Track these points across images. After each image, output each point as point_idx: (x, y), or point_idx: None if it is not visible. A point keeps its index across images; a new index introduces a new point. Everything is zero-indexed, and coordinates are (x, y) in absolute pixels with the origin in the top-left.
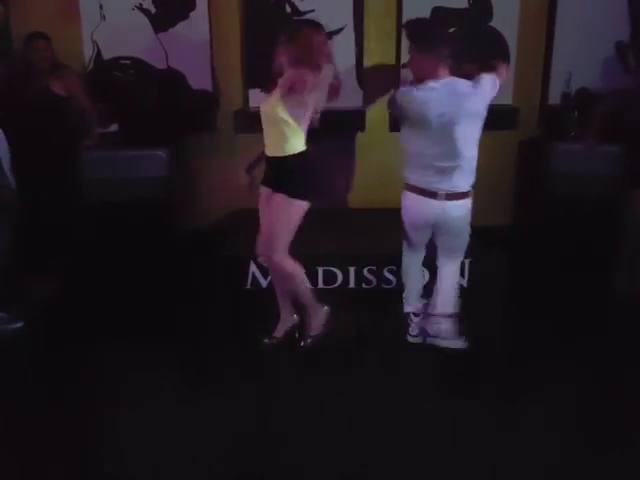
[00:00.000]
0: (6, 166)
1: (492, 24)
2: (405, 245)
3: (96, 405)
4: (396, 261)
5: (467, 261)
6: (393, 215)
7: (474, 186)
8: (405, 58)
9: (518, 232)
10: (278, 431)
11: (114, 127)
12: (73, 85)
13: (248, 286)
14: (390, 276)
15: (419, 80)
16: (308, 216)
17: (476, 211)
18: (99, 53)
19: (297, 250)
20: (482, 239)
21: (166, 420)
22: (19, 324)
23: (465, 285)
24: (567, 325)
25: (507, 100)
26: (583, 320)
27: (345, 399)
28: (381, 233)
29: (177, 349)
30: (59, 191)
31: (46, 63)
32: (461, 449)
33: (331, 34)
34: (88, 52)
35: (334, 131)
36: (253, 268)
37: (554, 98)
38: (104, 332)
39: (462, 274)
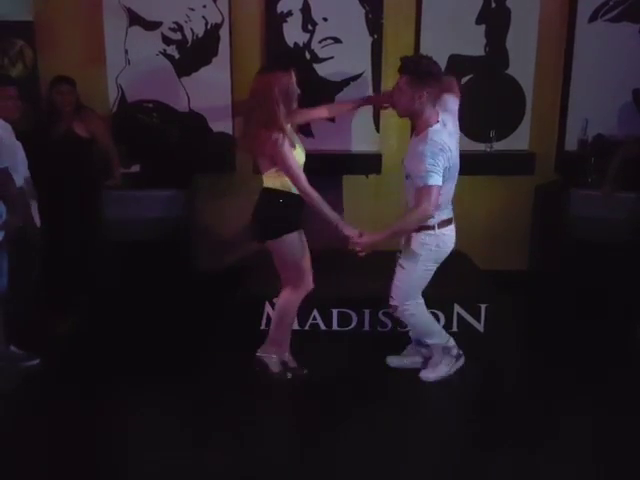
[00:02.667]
0: (32, 205)
1: (508, 72)
2: (419, 291)
3: (110, 443)
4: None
5: (484, 306)
6: None
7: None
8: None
9: (535, 277)
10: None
11: (136, 167)
12: (96, 127)
13: (263, 327)
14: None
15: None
16: (324, 257)
17: (493, 256)
18: (123, 96)
19: (311, 291)
20: (499, 284)
21: (176, 462)
22: (35, 361)
23: (482, 330)
24: (585, 373)
25: (524, 145)
26: (601, 368)
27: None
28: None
29: (190, 389)
30: (81, 230)
31: (70, 106)
32: None
33: (350, 80)
34: (113, 95)
35: (351, 172)
36: (268, 308)
37: (571, 144)
38: (119, 370)
39: (478, 319)
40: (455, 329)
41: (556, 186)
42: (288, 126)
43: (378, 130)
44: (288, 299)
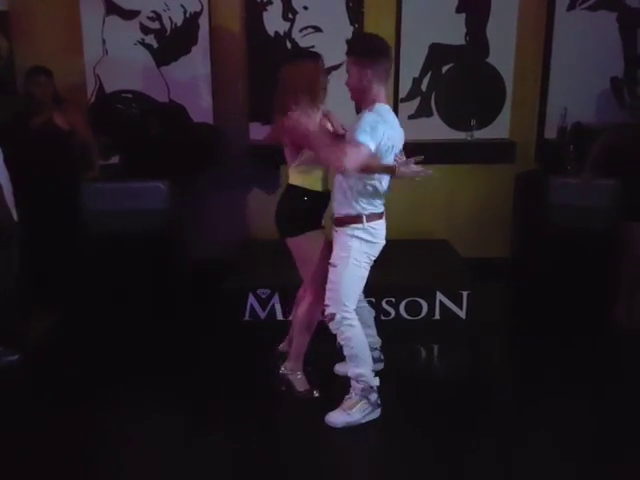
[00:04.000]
0: (8, 197)
1: (489, 60)
2: (356, 295)
3: (92, 439)
4: (395, 293)
5: (465, 293)
6: (419, 246)
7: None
8: (404, 94)
9: (516, 264)
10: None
11: (115, 159)
12: (75, 119)
13: (246, 317)
14: (389, 308)
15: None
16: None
17: (474, 243)
18: (101, 86)
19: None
20: (480, 271)
21: (161, 458)
22: (15, 357)
23: (463, 317)
24: (564, 357)
25: (504, 134)
26: (581, 352)
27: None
28: (401, 264)
29: (175, 382)
30: (61, 222)
31: (47, 97)
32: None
33: (331, 69)
34: (90, 85)
35: None
36: (251, 300)
37: (550, 132)
38: (102, 364)
39: (460, 306)
40: (437, 317)
41: (536, 174)
42: (318, 114)
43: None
44: (311, 309)
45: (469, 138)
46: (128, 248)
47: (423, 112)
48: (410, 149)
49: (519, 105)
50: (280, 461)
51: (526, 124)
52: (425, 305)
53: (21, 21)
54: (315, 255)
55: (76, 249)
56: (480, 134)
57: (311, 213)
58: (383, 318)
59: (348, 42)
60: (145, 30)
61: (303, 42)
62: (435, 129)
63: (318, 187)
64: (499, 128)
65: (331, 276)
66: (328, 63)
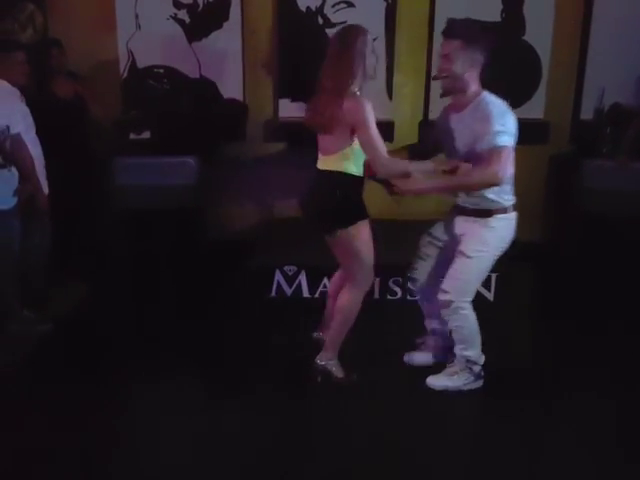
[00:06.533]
0: (40, 170)
1: (525, 38)
2: (477, 286)
3: (118, 409)
4: None
5: (494, 275)
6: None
7: None
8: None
9: (546, 248)
10: (301, 446)
11: (146, 134)
12: (67, 91)
13: (273, 294)
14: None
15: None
16: None
17: None
18: (134, 62)
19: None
20: (510, 254)
21: (187, 431)
22: (48, 325)
23: (491, 299)
24: (594, 343)
25: (539, 114)
26: (612, 338)
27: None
28: (407, 244)
29: (201, 357)
30: (91, 196)
31: (61, 69)
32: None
33: None
34: (123, 60)
35: None
36: (278, 276)
37: (587, 113)
38: (130, 336)
39: (488, 288)
40: None
41: (570, 156)
42: None
43: (391, 97)
44: (352, 299)
45: None
46: (156, 223)
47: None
48: None
49: (555, 85)
50: (311, 443)
51: (562, 104)
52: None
53: None
54: (366, 246)
55: (106, 222)
56: (514, 114)
57: (360, 201)
58: (410, 298)
59: (453, 23)
60: (178, 5)
61: (335, 17)
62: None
63: (362, 172)
64: (534, 108)
65: (461, 266)
66: None
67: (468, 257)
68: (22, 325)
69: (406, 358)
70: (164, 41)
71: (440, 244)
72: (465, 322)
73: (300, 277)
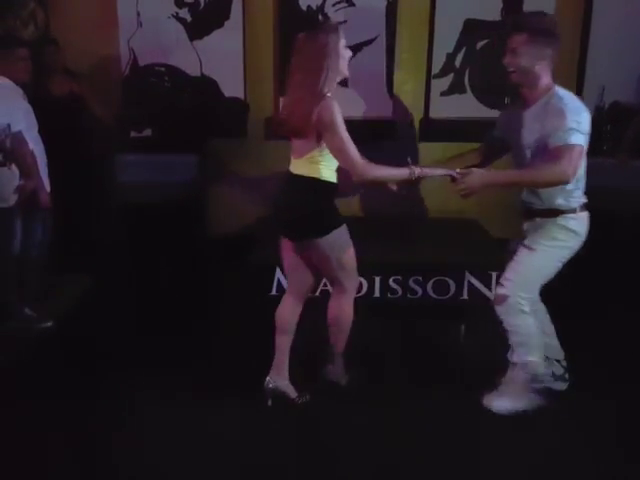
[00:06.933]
0: (41, 168)
1: None
2: (539, 285)
3: (115, 408)
4: (420, 271)
5: (495, 274)
6: (449, 225)
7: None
8: (437, 70)
9: None
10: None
11: (147, 132)
12: (62, 89)
13: (273, 292)
14: (415, 286)
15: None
16: None
17: (505, 224)
18: (135, 59)
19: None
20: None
21: (185, 430)
22: (48, 323)
23: (492, 298)
24: (595, 342)
25: None
26: (614, 335)
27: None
28: (408, 242)
29: (201, 354)
30: (92, 193)
31: (58, 67)
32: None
33: (363, 44)
34: (125, 58)
35: (363, 140)
36: (279, 274)
37: None
38: (130, 333)
39: (489, 287)
40: (465, 297)
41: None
42: None
43: (391, 96)
44: (346, 307)
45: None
46: (157, 220)
47: (456, 89)
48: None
49: (555, 83)
50: (302, 443)
51: None
52: (453, 285)
53: None
54: (345, 252)
55: (106, 219)
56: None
57: (335, 208)
58: (409, 296)
59: (523, 17)
60: (179, 3)
61: (336, 16)
62: (468, 106)
63: (335, 178)
64: None
65: (523, 257)
66: (361, 38)
67: (531, 249)
68: (22, 323)
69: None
70: (165, 39)
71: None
72: (522, 320)
73: None
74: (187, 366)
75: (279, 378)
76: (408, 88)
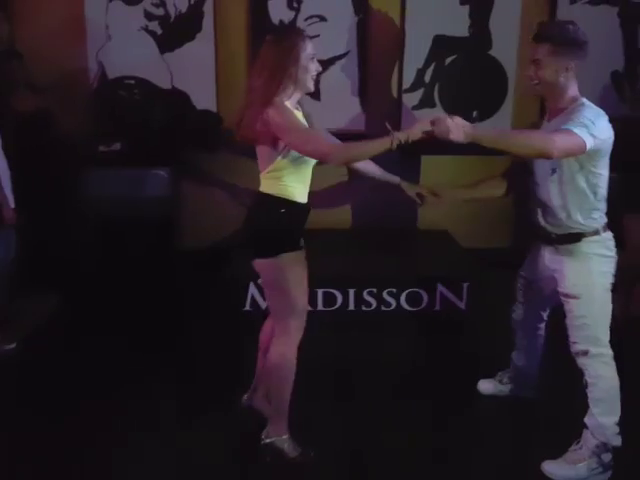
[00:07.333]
0: (5, 184)
1: (491, 53)
2: (608, 324)
3: (89, 429)
4: (396, 283)
5: (466, 284)
6: (420, 237)
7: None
8: (407, 84)
9: (515, 255)
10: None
11: (116, 146)
12: (26, 105)
13: (247, 307)
14: (390, 299)
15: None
16: (309, 237)
17: (475, 234)
18: (104, 72)
19: None
20: (481, 262)
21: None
22: (12, 345)
23: (463, 308)
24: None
25: (506, 126)
26: None
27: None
28: (402, 255)
29: (173, 368)
30: (60, 209)
31: (21, 81)
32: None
33: (336, 59)
34: (93, 71)
35: None
36: (252, 289)
37: None
38: (98, 353)
39: (460, 297)
40: (437, 308)
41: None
42: (295, 109)
43: (364, 110)
44: (284, 353)
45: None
46: (128, 235)
47: (426, 103)
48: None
49: (521, 97)
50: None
51: (528, 116)
52: (426, 297)
53: (23, 5)
54: (291, 283)
55: (75, 234)
56: (482, 126)
57: (289, 229)
58: (384, 309)
59: (546, 27)
60: (149, 16)
61: (308, 31)
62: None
63: (299, 198)
64: (501, 120)
65: (575, 311)
66: (332, 52)
67: (576, 298)
68: None
69: (480, 385)
70: (135, 52)
71: (537, 286)
72: (605, 372)
73: None
74: (158, 385)
75: (256, 397)
76: (380, 102)
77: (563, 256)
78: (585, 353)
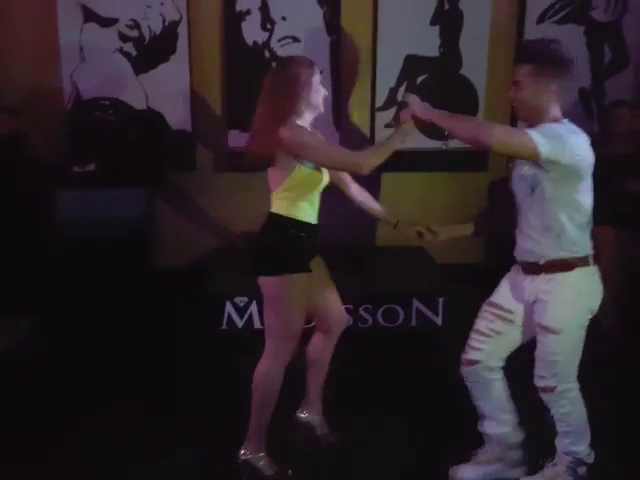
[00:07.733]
0: None
1: (462, 72)
2: (578, 361)
3: (62, 452)
4: (372, 300)
5: (441, 300)
6: (395, 253)
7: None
8: (380, 103)
9: (490, 269)
10: None
11: (91, 167)
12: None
13: (223, 326)
14: (366, 315)
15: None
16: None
17: (450, 249)
18: (78, 93)
19: None
20: (455, 277)
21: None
22: None
23: (439, 323)
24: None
25: None
26: None
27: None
28: (378, 271)
29: (150, 390)
30: (33, 230)
31: None
32: None
33: None
34: (67, 92)
35: None
36: (229, 308)
37: None
38: (74, 374)
39: (436, 312)
40: (414, 323)
41: (509, 183)
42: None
43: (338, 129)
44: (269, 372)
45: (444, 147)
46: (104, 256)
47: (399, 121)
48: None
49: (492, 116)
50: None
51: None
52: (402, 312)
53: None
54: (292, 305)
55: (50, 256)
56: (455, 143)
57: (298, 249)
58: (360, 325)
59: (525, 46)
60: (124, 38)
61: (282, 52)
62: (410, 138)
63: (309, 218)
64: None
65: (551, 345)
66: None
67: (555, 332)
68: None
69: (452, 473)
70: (110, 73)
71: (510, 317)
72: (574, 407)
73: (251, 308)
74: (135, 407)
75: (251, 448)
76: (354, 120)
77: (548, 284)
78: (552, 390)
